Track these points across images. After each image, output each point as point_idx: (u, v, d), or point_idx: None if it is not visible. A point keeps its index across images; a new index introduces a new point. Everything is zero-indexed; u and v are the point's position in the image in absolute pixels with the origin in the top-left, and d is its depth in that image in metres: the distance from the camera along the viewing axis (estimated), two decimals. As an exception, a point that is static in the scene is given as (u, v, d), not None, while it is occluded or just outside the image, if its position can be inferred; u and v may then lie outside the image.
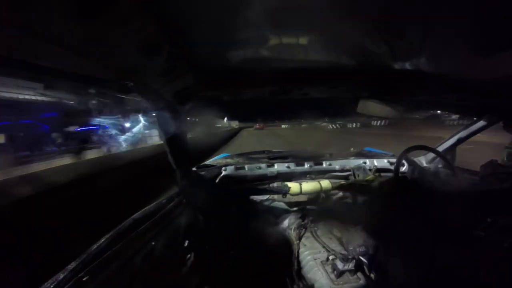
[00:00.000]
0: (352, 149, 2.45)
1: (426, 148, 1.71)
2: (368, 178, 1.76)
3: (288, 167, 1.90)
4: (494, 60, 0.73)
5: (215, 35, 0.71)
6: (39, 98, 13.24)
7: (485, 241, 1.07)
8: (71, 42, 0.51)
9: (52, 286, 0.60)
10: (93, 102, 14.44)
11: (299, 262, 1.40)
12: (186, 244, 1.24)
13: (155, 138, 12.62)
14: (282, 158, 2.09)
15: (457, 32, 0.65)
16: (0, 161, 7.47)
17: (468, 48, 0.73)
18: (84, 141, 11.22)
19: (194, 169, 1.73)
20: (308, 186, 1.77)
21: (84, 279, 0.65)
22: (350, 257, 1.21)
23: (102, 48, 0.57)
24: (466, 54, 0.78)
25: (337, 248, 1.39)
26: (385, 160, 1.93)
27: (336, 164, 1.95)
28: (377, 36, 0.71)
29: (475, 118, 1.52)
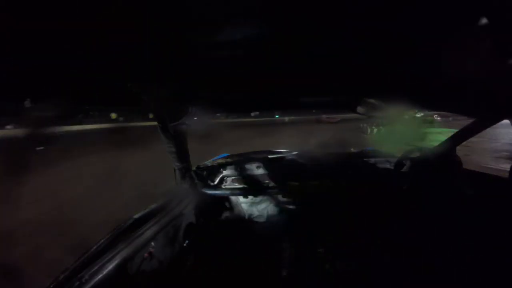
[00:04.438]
0: (352, 149, 2.45)
1: (427, 149, 1.71)
2: (368, 178, 1.76)
3: (288, 167, 1.90)
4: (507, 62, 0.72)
5: (214, 36, 0.71)
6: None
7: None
8: (70, 42, 0.51)
9: (52, 286, 0.60)
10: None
11: (299, 262, 1.40)
12: (186, 244, 1.24)
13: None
14: (282, 158, 2.09)
15: (464, 32, 0.64)
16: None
17: (475, 50, 0.72)
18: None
19: (194, 169, 1.73)
20: (308, 186, 1.77)
21: (84, 279, 0.65)
22: (350, 257, 1.21)
23: (101, 48, 0.57)
24: (472, 55, 0.78)
25: (337, 248, 1.39)
26: (385, 160, 1.93)
27: (337, 164, 1.94)
28: (378, 38, 0.71)
29: (475, 118, 1.51)
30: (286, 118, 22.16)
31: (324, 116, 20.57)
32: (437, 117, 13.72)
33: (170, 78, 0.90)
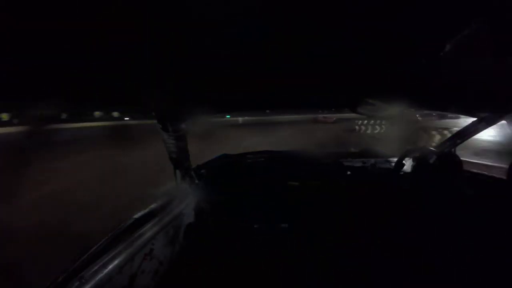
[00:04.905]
0: (352, 149, 2.45)
1: (427, 149, 1.71)
2: (368, 178, 1.76)
3: (288, 167, 1.90)
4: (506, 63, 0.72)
5: (214, 36, 0.71)
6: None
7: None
8: (70, 42, 0.51)
9: (52, 286, 0.60)
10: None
11: (299, 262, 1.40)
12: (186, 244, 1.24)
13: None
14: (282, 158, 2.09)
15: (464, 32, 0.64)
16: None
17: (475, 50, 0.72)
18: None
19: (194, 168, 1.73)
20: (309, 185, 1.77)
21: (84, 279, 0.65)
22: (350, 257, 1.21)
23: (101, 48, 0.57)
24: (472, 55, 0.78)
25: (338, 249, 1.39)
26: (385, 160, 1.93)
27: (336, 164, 1.95)
28: (378, 38, 0.71)
29: (475, 118, 1.51)
30: (240, 119, 20.86)
31: (320, 116, 20.54)
32: (419, 118, 13.51)
33: (170, 78, 0.90)
